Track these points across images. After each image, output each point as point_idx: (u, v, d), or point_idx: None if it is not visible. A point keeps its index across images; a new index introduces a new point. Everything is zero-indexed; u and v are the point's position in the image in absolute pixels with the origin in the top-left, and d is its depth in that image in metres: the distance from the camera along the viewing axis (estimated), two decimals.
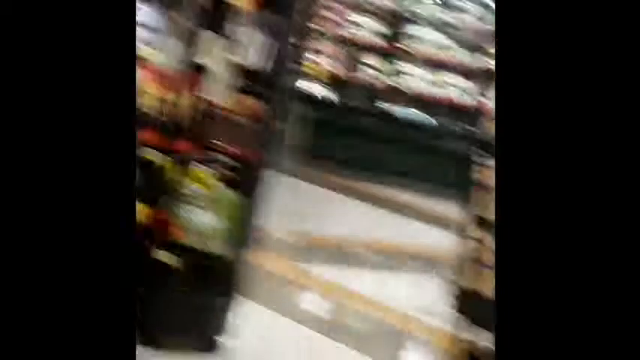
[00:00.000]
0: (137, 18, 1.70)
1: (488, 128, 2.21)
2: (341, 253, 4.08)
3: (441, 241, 3.93)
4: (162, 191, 2.18)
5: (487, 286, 1.92)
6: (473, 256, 2.11)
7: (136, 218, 1.83)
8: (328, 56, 6.25)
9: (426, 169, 5.84)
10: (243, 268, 2.32)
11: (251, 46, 2.23)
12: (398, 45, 6.32)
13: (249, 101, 2.23)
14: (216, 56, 2.19)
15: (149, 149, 2.11)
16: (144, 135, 2.06)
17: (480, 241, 2.08)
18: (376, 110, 6.26)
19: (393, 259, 4.22)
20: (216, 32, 2.18)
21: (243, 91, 2.23)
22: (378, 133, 5.99)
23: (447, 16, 6.37)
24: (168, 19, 2.19)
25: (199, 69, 2.18)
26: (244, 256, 2.31)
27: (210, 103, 2.19)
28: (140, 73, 2.02)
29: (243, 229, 2.28)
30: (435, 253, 4.02)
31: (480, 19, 6.27)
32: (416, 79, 6.27)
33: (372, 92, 6.32)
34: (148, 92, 2.12)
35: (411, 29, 6.35)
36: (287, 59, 2.34)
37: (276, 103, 2.30)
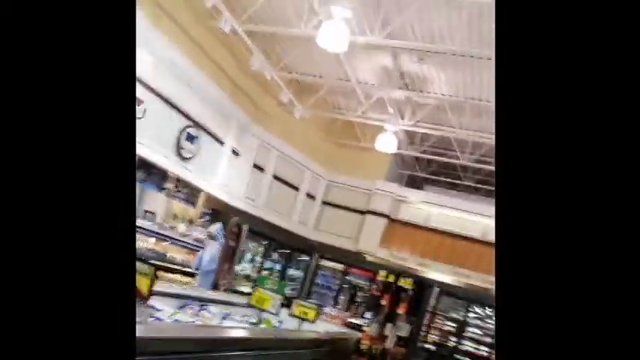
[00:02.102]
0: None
1: None
2: None
3: None
4: None
5: None
6: None
7: None
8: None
9: None
10: None
11: (404, 328, 6.00)
12: None
13: (400, 349, 5.97)
14: (391, 333, 5.99)
15: None
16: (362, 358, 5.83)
17: None
18: None
19: None
20: (393, 323, 6.00)
21: (398, 344, 5.98)
22: None
23: None
24: (374, 321, 6.05)
25: (385, 336, 5.98)
26: None
27: (386, 348, 5.96)
28: (361, 335, 5.84)
29: None
30: None
31: None
32: None
33: None
34: (364, 344, 5.92)
35: None
36: (420, 333, 6.11)
37: (410, 349, 6.02)
